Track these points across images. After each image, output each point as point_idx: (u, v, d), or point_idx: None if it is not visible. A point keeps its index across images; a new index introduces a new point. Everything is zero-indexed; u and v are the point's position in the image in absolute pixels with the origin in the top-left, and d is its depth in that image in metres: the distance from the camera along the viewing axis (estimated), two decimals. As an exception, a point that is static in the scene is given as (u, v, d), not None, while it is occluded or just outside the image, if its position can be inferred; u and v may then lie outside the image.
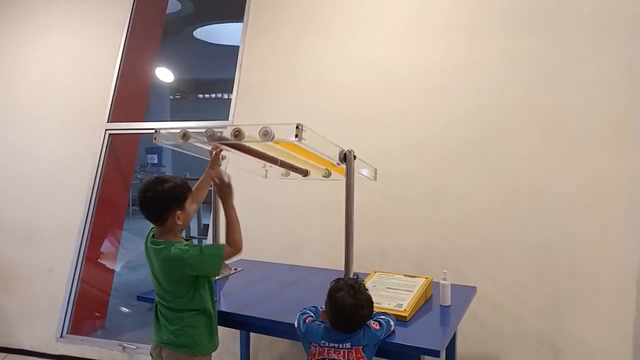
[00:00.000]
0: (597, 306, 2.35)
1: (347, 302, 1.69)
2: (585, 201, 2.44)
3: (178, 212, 1.83)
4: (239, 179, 2.11)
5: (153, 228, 1.94)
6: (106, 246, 4.15)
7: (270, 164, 2.33)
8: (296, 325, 1.81)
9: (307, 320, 1.79)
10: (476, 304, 2.31)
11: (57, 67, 3.97)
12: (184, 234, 1.98)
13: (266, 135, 1.74)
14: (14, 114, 3.96)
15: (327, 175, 2.53)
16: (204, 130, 1.94)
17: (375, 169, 2.49)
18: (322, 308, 1.82)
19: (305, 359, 1.78)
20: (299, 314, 1.84)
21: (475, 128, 2.72)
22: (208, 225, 3.16)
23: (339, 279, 1.79)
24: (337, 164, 2.18)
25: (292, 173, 2.53)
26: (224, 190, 2.00)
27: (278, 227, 3.11)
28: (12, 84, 4.02)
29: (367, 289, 1.78)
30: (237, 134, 1.82)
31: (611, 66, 2.52)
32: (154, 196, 1.81)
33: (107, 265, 4.17)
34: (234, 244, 1.91)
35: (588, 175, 2.45)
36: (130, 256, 5.77)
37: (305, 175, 2.56)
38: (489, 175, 2.66)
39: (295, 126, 1.69)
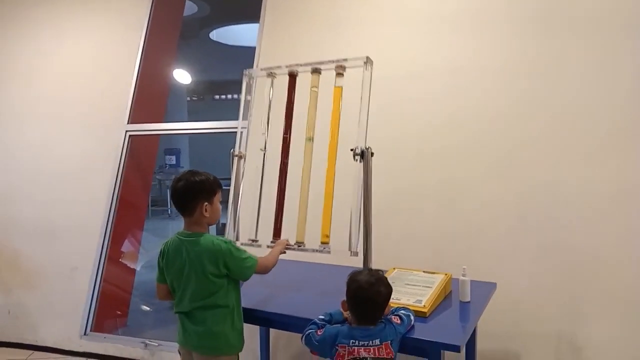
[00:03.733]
0: (618, 305, 2.32)
1: (363, 280, 1.73)
2: (606, 200, 2.40)
3: (206, 204, 1.90)
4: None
5: (172, 237, 1.97)
6: (127, 246, 4.22)
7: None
8: (305, 343, 1.80)
9: (318, 333, 1.77)
10: (495, 302, 2.29)
11: (77, 70, 4.04)
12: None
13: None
14: (34, 115, 4.04)
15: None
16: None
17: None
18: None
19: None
20: (304, 336, 1.80)
21: (493, 128, 2.70)
22: (225, 224, 3.18)
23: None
24: (354, 158, 2.19)
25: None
26: (281, 250, 2.23)
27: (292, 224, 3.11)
28: (32, 86, 4.10)
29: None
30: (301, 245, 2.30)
31: (629, 65, 2.49)
32: (184, 185, 1.90)
33: (128, 265, 4.24)
34: (265, 265, 2.06)
35: (609, 173, 2.41)
36: (150, 256, 5.86)
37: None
38: (508, 174, 2.63)
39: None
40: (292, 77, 2.51)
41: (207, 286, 1.88)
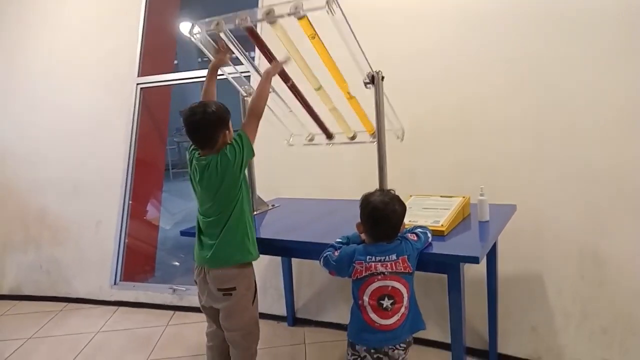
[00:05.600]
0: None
1: (378, 200, 1.73)
2: (624, 110, 2.29)
3: (226, 131, 1.90)
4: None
5: (193, 153, 1.98)
6: (148, 202, 4.29)
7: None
8: (323, 264, 1.82)
9: (335, 254, 1.79)
10: (516, 224, 2.27)
11: (84, 28, 4.00)
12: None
13: (297, 9, 1.81)
14: (46, 78, 4.04)
15: (353, 137, 2.56)
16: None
17: (403, 129, 2.41)
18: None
19: (345, 290, 1.79)
20: (322, 258, 1.82)
21: (508, 45, 2.58)
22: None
23: None
24: (366, 86, 2.15)
25: (316, 139, 2.68)
26: (274, 65, 2.09)
27: (310, 164, 3.11)
28: (41, 50, 4.09)
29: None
30: (269, 12, 1.93)
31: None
32: (203, 119, 1.85)
33: (151, 221, 4.32)
34: (255, 108, 1.97)
35: (627, 81, 2.28)
36: (174, 216, 5.97)
37: (330, 139, 2.62)
38: (524, 94, 2.54)
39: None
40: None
41: (223, 198, 1.91)
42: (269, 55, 2.20)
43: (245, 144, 1.91)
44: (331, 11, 1.76)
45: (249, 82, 2.71)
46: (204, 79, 3.71)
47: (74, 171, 3.88)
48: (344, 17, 1.82)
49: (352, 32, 1.91)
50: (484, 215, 2.10)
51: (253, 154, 1.96)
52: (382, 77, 2.11)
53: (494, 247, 2.34)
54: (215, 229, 1.95)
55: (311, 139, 2.69)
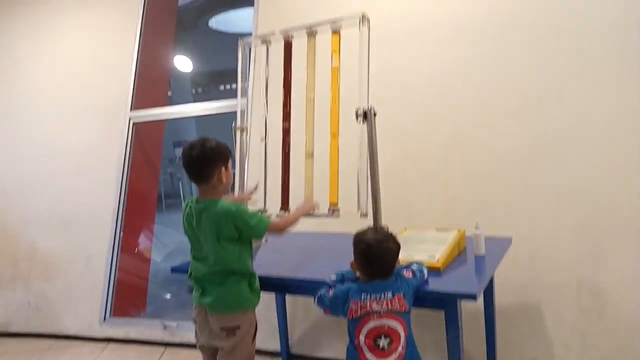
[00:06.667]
0: (638, 245, 2.26)
1: (371, 238, 1.71)
2: (622, 135, 2.31)
3: (223, 168, 1.90)
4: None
5: (190, 200, 1.98)
6: (140, 235, 4.24)
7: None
8: (317, 303, 1.80)
9: (330, 292, 1.77)
10: (512, 255, 2.25)
11: (76, 63, 4.03)
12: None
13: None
14: (38, 110, 4.05)
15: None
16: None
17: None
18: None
19: (341, 325, 1.76)
20: (316, 297, 1.81)
21: (497, 70, 2.62)
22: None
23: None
24: (357, 120, 2.16)
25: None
26: (308, 206, 2.23)
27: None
28: (35, 82, 4.10)
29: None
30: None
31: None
32: (201, 152, 1.87)
33: (143, 252, 4.26)
34: (277, 224, 2.01)
35: (622, 105, 2.32)
36: (166, 247, 5.90)
37: (284, 209, 2.52)
38: (514, 120, 2.56)
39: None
40: (288, 45, 2.47)
41: (222, 252, 1.87)
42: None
43: (262, 226, 1.90)
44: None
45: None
46: (197, 113, 3.85)
47: (65, 206, 3.84)
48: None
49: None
50: (480, 249, 2.08)
51: (260, 237, 2.00)
52: (375, 113, 2.13)
53: (491, 279, 2.32)
54: (216, 276, 1.91)
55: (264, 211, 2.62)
